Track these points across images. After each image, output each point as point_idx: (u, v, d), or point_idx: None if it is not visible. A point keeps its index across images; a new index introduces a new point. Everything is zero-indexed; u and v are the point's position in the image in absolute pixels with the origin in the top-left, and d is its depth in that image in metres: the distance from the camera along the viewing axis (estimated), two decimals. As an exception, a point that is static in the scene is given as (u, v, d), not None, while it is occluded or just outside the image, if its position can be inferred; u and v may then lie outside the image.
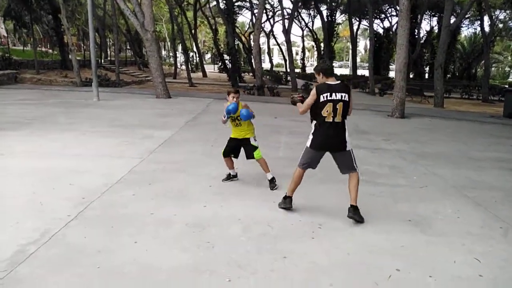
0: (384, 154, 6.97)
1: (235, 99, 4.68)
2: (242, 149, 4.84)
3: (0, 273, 2.76)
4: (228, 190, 4.66)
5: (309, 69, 49.86)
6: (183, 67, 34.11)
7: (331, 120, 3.71)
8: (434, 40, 32.57)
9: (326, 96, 3.69)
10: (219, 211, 4.04)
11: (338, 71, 44.23)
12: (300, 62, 47.54)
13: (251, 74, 34.33)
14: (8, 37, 27.26)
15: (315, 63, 50.99)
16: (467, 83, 29.21)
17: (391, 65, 38.09)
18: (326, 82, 3.78)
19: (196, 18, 32.53)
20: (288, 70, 28.15)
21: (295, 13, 29.07)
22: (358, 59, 49.44)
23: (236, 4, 31.39)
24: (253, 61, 26.11)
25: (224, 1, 25.86)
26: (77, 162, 5.56)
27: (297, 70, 36.76)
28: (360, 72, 40.83)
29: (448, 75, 34.45)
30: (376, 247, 3.40)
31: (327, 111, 3.69)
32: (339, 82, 3.80)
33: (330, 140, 3.77)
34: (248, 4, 33.79)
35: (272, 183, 4.77)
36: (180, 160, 5.99)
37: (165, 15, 40.87)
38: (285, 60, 34.13)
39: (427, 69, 36.94)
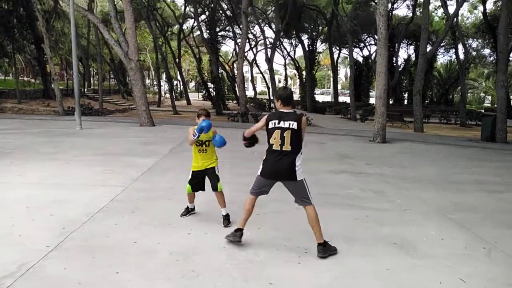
0: (367, 178, 7.05)
1: None
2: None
3: (-26, 309, 2.63)
4: (212, 218, 4.60)
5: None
6: (167, 95, 34.27)
7: (279, 149, 3.60)
8: (412, 67, 33.75)
9: (274, 123, 3.64)
10: (204, 239, 3.98)
11: (320, 98, 45.10)
12: (283, 90, 48.17)
13: (235, 101, 34.71)
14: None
15: (297, 91, 52.04)
16: (445, 108, 30.19)
17: (371, 91, 39.11)
18: (280, 109, 3.74)
19: (180, 47, 33.02)
20: (271, 97, 28.58)
21: (277, 43, 29.81)
22: (339, 86, 50.53)
23: (220, 33, 32.05)
24: (237, 89, 26.45)
25: (208, 31, 26.41)
26: (58, 192, 5.44)
27: (280, 97, 37.18)
28: (341, 98, 41.77)
29: (426, 101, 35.61)
30: (362, 271, 3.39)
31: (274, 139, 3.62)
32: (292, 111, 3.74)
33: (277, 169, 3.63)
34: (231, 34, 34.57)
35: (226, 219, 4.40)
36: (164, 187, 5.92)
37: (149, 45, 41.39)
38: (268, 88, 34.67)
39: (406, 95, 38.13)
